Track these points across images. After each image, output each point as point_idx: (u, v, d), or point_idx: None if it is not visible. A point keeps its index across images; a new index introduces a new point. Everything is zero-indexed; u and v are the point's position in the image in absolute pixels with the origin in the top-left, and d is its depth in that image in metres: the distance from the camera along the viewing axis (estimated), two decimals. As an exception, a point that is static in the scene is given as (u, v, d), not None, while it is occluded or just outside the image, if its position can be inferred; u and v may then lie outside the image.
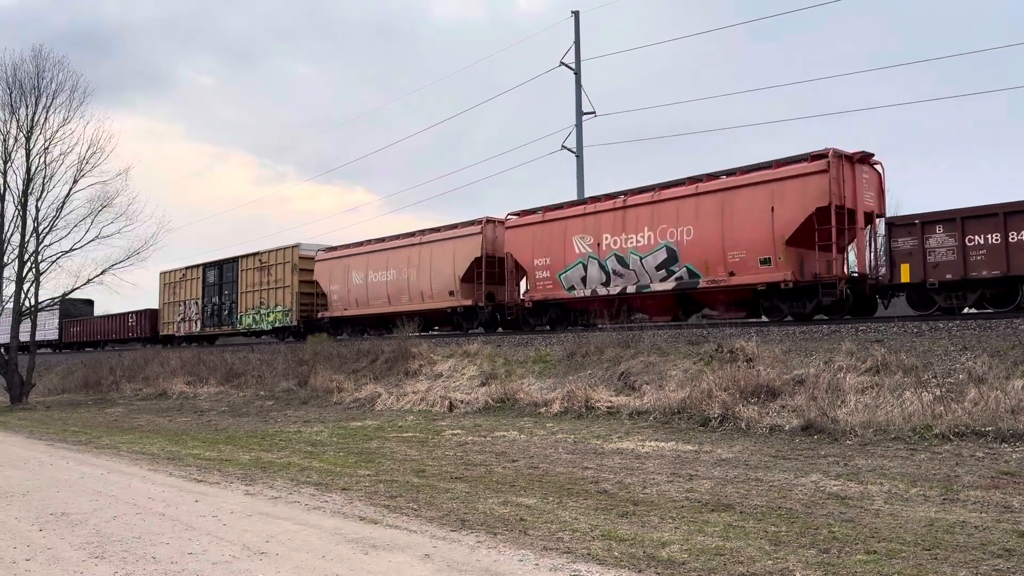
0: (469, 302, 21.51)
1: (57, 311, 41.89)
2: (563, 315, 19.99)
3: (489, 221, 21.76)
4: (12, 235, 26.26)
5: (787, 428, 10.19)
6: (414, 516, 6.76)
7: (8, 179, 25.95)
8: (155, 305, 37.46)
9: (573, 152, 28.00)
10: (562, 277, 19.35)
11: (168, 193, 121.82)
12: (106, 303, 44.73)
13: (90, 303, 46.00)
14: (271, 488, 8.43)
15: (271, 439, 12.94)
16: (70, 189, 26.16)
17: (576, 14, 28.56)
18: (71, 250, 26.46)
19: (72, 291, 27.47)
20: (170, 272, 35.71)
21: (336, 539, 6.04)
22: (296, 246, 28.09)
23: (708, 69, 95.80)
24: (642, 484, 7.79)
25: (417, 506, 7.17)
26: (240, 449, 11.89)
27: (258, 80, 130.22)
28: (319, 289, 27.21)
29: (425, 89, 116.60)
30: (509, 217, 21.22)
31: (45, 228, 26.05)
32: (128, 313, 39.44)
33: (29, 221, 25.92)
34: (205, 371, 24.90)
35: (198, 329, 33.38)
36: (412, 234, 24.10)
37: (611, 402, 12.96)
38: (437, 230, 23.27)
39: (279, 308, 28.26)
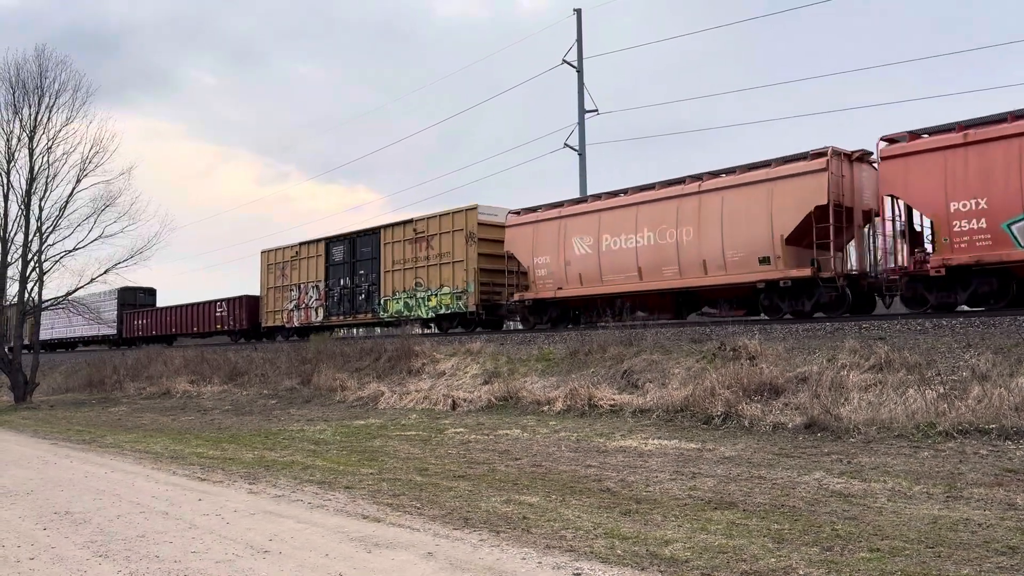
0: (807, 272, 15.00)
1: (115, 301, 38.07)
2: (1002, 288, 13.22)
3: (835, 153, 15.05)
4: (16, 234, 26.39)
5: (790, 426, 10.18)
6: (417, 514, 6.77)
7: (11, 179, 26.06)
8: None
9: (576, 150, 28.01)
10: (1014, 228, 12.85)
11: (170, 193, 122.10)
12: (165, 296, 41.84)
13: (152, 292, 40.83)
14: (274, 487, 8.44)
15: (274, 438, 12.96)
16: (73, 188, 26.26)
17: (578, 12, 28.57)
18: (74, 249, 26.54)
19: (74, 291, 27.48)
20: (276, 250, 29.36)
21: (339, 537, 6.04)
22: (474, 208, 21.93)
23: (710, 66, 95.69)
24: (645, 482, 7.79)
25: (420, 504, 7.17)
26: (243, 448, 11.92)
27: (260, 80, 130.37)
28: (509, 265, 21.21)
29: (427, 88, 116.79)
30: (882, 144, 14.38)
31: (48, 227, 26.15)
32: (215, 301, 33.12)
33: (32, 220, 26.00)
34: (208, 370, 24.95)
35: (319, 318, 27.10)
36: (681, 180, 17.21)
37: (614, 400, 12.96)
38: (726, 172, 16.55)
39: (446, 290, 22.26)
